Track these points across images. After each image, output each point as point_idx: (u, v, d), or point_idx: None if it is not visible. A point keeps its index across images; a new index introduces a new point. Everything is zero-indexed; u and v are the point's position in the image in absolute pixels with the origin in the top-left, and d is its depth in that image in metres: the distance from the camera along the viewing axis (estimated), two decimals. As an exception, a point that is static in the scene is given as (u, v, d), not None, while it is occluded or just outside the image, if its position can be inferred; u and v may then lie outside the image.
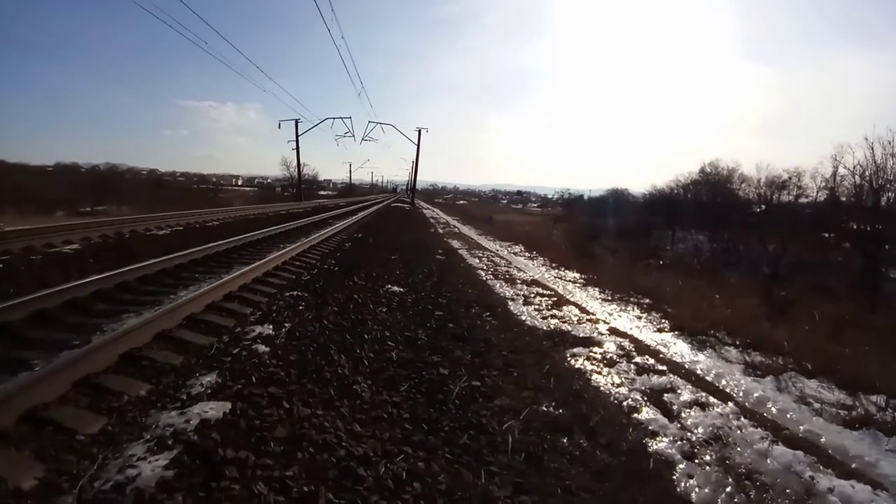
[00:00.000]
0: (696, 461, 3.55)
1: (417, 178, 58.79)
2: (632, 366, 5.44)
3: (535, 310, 7.94)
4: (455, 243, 18.34)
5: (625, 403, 4.42)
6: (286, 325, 5.00)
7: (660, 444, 3.73)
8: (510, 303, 8.33)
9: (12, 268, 6.73)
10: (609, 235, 40.05)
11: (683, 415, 4.30)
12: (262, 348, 4.22)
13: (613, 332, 6.88)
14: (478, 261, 13.81)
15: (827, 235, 36.46)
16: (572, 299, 9.17)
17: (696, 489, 3.20)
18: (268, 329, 4.80)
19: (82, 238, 9.56)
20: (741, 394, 5.04)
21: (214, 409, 3.03)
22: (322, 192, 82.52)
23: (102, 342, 3.73)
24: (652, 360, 5.67)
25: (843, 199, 37.17)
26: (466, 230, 27.91)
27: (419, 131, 49.80)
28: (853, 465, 3.78)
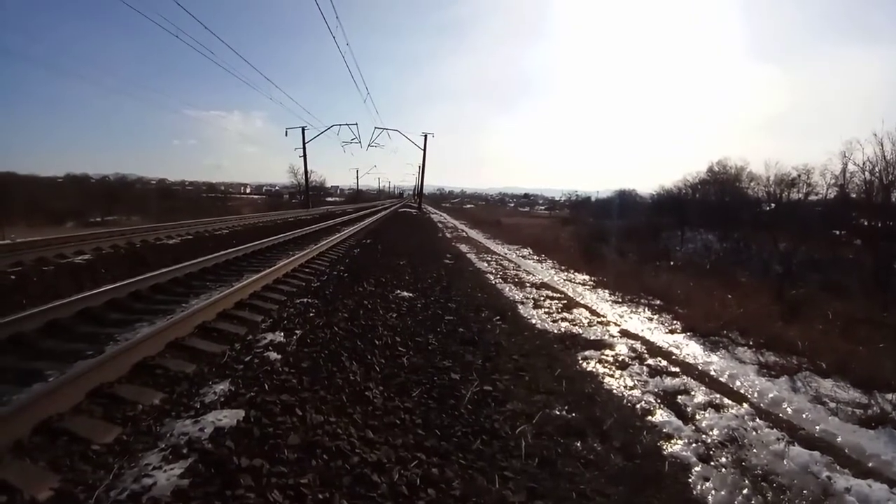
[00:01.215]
0: (712, 463, 3.53)
1: (424, 182, 58.94)
2: (644, 368, 5.41)
3: (546, 313, 7.92)
4: (463, 247, 18.34)
5: (638, 406, 4.39)
6: (297, 332, 5.01)
7: (675, 447, 3.70)
8: (520, 306, 8.32)
9: (25, 279, 6.78)
10: (618, 237, 39.87)
11: (698, 417, 4.28)
12: (273, 356, 4.23)
13: (625, 334, 6.84)
14: (486, 265, 13.80)
15: (838, 233, 36.13)
16: (582, 302, 9.14)
17: (713, 492, 3.17)
18: (279, 336, 4.82)
19: (94, 248, 9.63)
20: (756, 394, 5.00)
21: (228, 418, 3.04)
22: (329, 199, 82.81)
23: (116, 352, 3.75)
24: (664, 362, 5.64)
25: (854, 195, 36.84)
26: (474, 234, 27.91)
27: (425, 136, 49.89)
28: (870, 465, 3.74)
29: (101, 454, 2.68)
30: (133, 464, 2.59)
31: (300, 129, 46.08)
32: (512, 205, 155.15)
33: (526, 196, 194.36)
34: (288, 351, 4.41)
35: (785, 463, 3.59)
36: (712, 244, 41.34)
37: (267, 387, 3.55)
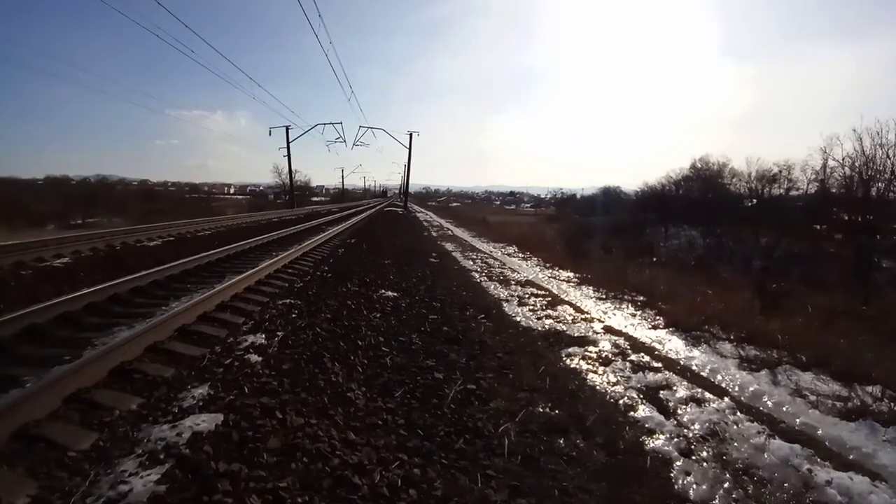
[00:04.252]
0: (694, 458, 3.55)
1: (410, 181, 58.87)
2: (627, 364, 5.43)
3: (530, 310, 7.94)
4: (449, 246, 18.33)
5: (621, 402, 4.41)
6: (279, 333, 4.97)
7: (657, 442, 3.72)
8: (504, 304, 8.33)
9: (3, 283, 6.67)
10: (602, 234, 40.07)
11: (680, 411, 4.30)
12: (254, 358, 4.19)
13: (608, 330, 6.88)
14: (471, 263, 13.81)
15: (818, 227, 36.57)
16: (567, 299, 9.18)
17: (694, 486, 3.19)
18: (260, 338, 4.77)
19: (73, 251, 9.50)
20: (737, 388, 5.05)
21: (206, 422, 3.00)
22: (315, 199, 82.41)
23: (93, 357, 3.70)
24: (647, 358, 5.67)
25: (834, 190, 37.32)
26: (460, 232, 27.91)
27: (410, 135, 49.83)
28: (850, 457, 3.78)
29: (78, 461, 2.65)
30: (109, 470, 2.55)
31: (284, 129, 45.79)
32: (498, 203, 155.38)
33: (512, 194, 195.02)
34: (269, 353, 4.37)
35: (766, 456, 3.62)
36: (695, 240, 41.73)
37: (247, 390, 3.52)
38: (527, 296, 9.15)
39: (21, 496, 2.31)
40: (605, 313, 8.19)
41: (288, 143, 46.24)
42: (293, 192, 51.60)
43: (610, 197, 64.62)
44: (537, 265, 14.66)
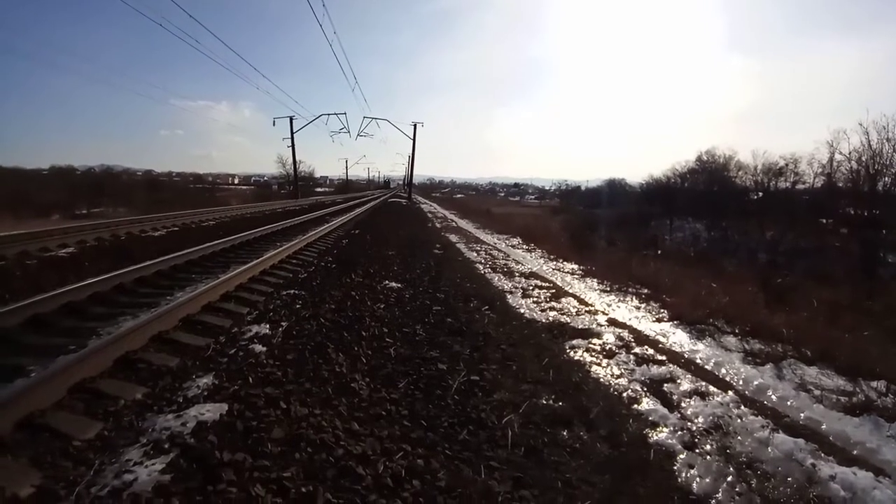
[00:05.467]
0: (697, 451, 3.54)
1: (414, 172, 58.82)
2: (631, 356, 5.42)
3: (534, 302, 7.92)
4: (453, 237, 18.30)
5: (624, 394, 4.40)
6: (283, 324, 4.99)
7: (660, 435, 3.71)
8: (508, 296, 8.31)
9: (7, 273, 6.69)
10: (607, 226, 39.99)
11: (683, 405, 4.29)
12: (258, 348, 4.20)
13: (612, 322, 6.86)
14: (476, 254, 13.77)
15: (824, 221, 36.47)
16: (571, 291, 9.15)
17: (698, 479, 3.18)
18: (265, 328, 4.79)
19: (78, 241, 9.53)
20: (741, 382, 5.03)
21: (211, 412, 3.01)
22: (319, 189, 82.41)
23: (98, 346, 3.71)
24: (651, 351, 5.65)
25: (840, 184, 37.20)
26: (464, 224, 27.86)
27: (415, 126, 49.75)
28: (855, 452, 3.77)
29: (83, 450, 2.66)
30: (114, 460, 2.56)
31: (288, 119, 45.85)
32: (502, 194, 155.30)
33: (516, 185, 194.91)
34: (273, 343, 4.39)
35: (769, 450, 3.61)
36: (700, 233, 41.61)
37: (251, 380, 3.53)
38: (531, 287, 9.13)
39: (26, 486, 2.32)
40: (609, 306, 8.17)
41: (292, 133, 46.36)
42: (297, 183, 51.66)
43: (615, 189, 64.53)
44: (541, 257, 14.62)
